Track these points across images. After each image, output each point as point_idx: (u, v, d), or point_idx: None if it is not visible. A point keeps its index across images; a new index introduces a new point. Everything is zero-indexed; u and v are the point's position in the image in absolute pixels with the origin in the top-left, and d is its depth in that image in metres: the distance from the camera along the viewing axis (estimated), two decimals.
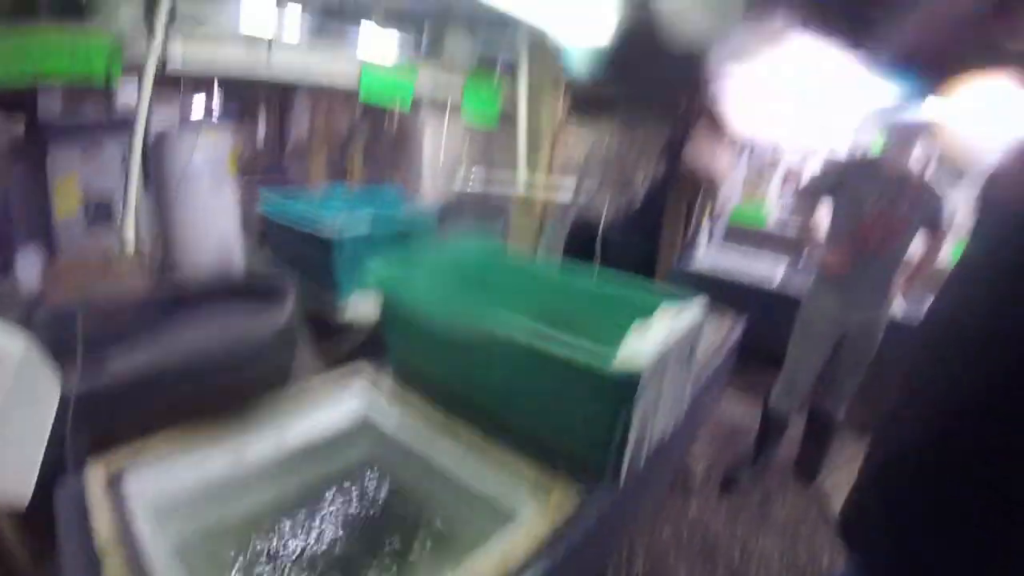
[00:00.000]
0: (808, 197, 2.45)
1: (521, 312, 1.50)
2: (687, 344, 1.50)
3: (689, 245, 4.32)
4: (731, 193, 4.58)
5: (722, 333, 2.33)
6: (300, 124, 6.09)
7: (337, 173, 5.74)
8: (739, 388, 3.09)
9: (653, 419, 1.44)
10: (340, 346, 2.52)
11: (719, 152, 3.86)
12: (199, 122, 3.53)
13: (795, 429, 2.61)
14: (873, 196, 2.22)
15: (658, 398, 1.42)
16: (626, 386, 1.21)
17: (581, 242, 3.59)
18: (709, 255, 4.44)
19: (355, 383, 1.73)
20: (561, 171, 3.24)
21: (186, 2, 1.95)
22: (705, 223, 4.45)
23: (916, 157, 2.25)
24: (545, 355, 1.29)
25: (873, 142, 3.02)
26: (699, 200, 4.25)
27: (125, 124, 2.28)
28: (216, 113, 4.22)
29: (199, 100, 4.22)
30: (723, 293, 3.45)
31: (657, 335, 1.33)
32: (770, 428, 2.54)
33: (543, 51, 2.70)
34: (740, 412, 3.07)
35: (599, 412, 1.29)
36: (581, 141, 4.06)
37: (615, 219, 4.21)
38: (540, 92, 2.93)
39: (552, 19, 2.18)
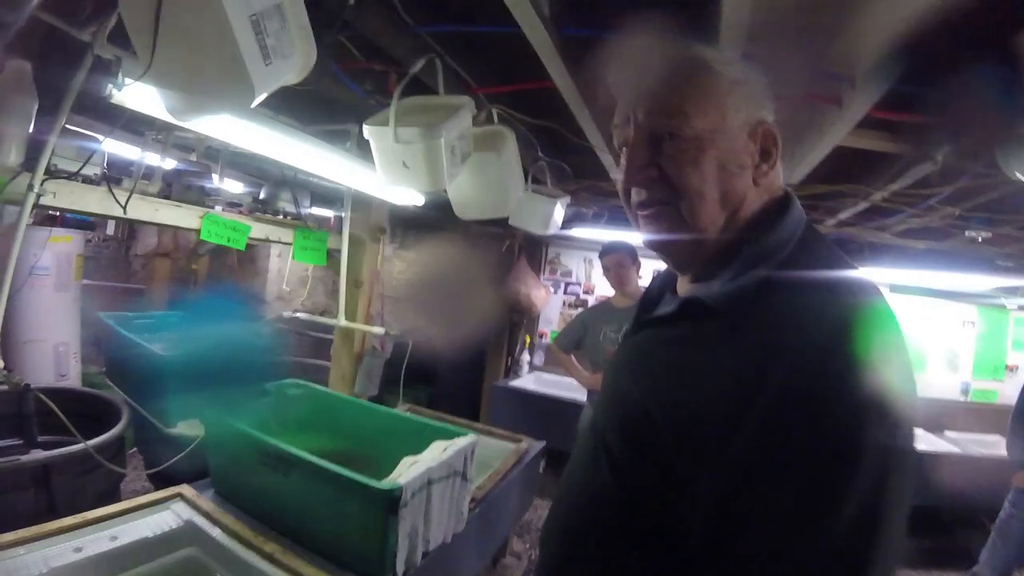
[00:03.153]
0: (558, 352, 3.18)
1: (328, 441, 1.90)
2: (454, 466, 1.94)
3: (512, 367, 5.02)
4: (550, 319, 5.32)
5: (518, 453, 2.80)
6: (149, 233, 6.22)
7: (183, 281, 5.90)
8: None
9: (425, 526, 1.84)
10: (167, 463, 2.69)
11: (536, 285, 4.61)
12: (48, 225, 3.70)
13: None
14: (609, 329, 2.90)
15: (427, 509, 1.82)
16: (390, 499, 1.61)
17: (417, 366, 4.05)
18: (530, 375, 5.13)
19: (178, 500, 1.98)
20: (385, 304, 3.69)
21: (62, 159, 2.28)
22: (527, 347, 5.18)
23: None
24: (331, 476, 1.67)
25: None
26: (522, 326, 4.99)
27: None
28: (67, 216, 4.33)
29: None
30: (538, 408, 4.10)
31: (426, 460, 1.79)
32: None
33: (366, 203, 3.16)
34: None
35: (373, 522, 1.66)
36: (410, 269, 4.63)
37: (445, 343, 4.75)
38: (362, 237, 3.40)
39: (373, 187, 2.57)
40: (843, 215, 3.57)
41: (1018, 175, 1.48)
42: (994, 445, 3.46)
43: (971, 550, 3.33)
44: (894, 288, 5.15)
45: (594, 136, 2.43)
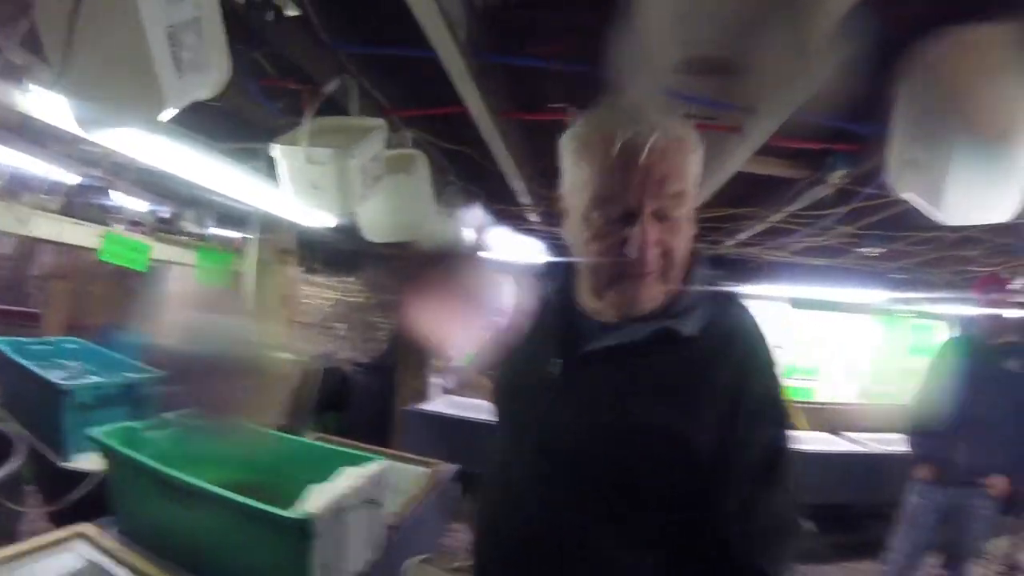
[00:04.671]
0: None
1: (234, 473, 1.84)
2: (368, 492, 1.93)
3: (423, 390, 4.97)
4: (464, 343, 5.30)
5: (433, 477, 2.79)
6: (47, 252, 5.93)
7: (81, 304, 5.60)
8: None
9: (339, 556, 1.82)
10: (67, 501, 2.55)
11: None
12: None
13: None
14: None
15: (342, 536, 1.81)
16: (302, 529, 1.58)
17: (326, 392, 3.99)
18: (444, 398, 5.10)
19: (80, 539, 1.87)
20: (297, 328, 3.63)
21: None
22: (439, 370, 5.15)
23: None
24: (239, 507, 1.63)
25: None
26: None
27: None
28: None
29: None
30: (451, 431, 4.06)
31: (335, 488, 1.76)
32: None
33: (275, 224, 3.10)
34: None
35: (286, 554, 1.64)
36: (322, 296, 4.59)
37: (360, 368, 4.75)
38: (271, 259, 3.32)
39: (283, 209, 2.50)
40: (742, 236, 3.76)
41: (906, 196, 1.59)
42: (894, 443, 3.71)
43: (881, 540, 3.52)
44: (796, 303, 5.43)
45: (506, 163, 2.46)
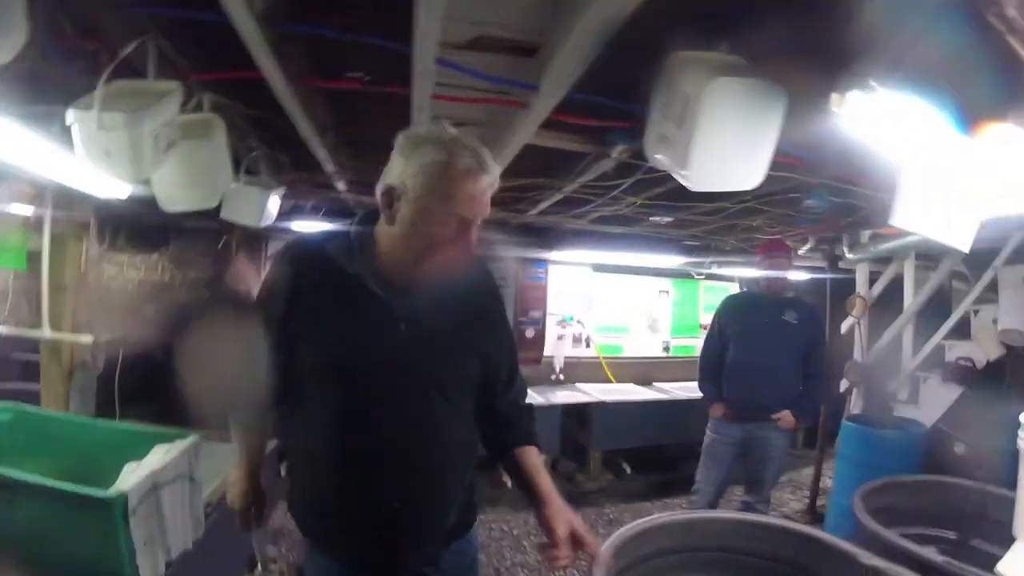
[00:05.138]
0: None
1: (50, 465, 1.75)
2: (181, 468, 1.94)
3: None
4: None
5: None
6: None
7: None
8: None
9: (161, 534, 1.82)
10: None
11: (257, 281, 4.47)
12: None
13: None
14: None
15: (160, 513, 1.80)
16: (117, 506, 1.58)
17: (136, 380, 3.73)
18: None
19: None
20: (99, 310, 3.36)
21: None
22: None
23: None
24: (52, 493, 1.60)
25: None
26: None
27: None
28: None
29: None
30: None
31: (147, 464, 1.74)
32: None
33: (70, 198, 2.84)
34: None
35: (106, 535, 1.62)
36: (126, 272, 4.25)
37: (168, 346, 4.44)
38: (65, 237, 3.02)
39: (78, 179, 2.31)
40: (543, 205, 4.02)
41: (657, 159, 1.83)
42: (694, 390, 4.14)
43: (693, 477, 3.89)
44: (597, 268, 5.93)
45: (307, 130, 2.45)
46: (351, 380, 1.40)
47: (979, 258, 3.91)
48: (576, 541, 1.40)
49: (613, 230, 5.06)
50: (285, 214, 4.32)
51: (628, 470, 5.47)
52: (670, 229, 4.90)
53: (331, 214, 4.64)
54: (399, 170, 1.32)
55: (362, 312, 1.41)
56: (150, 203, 2.45)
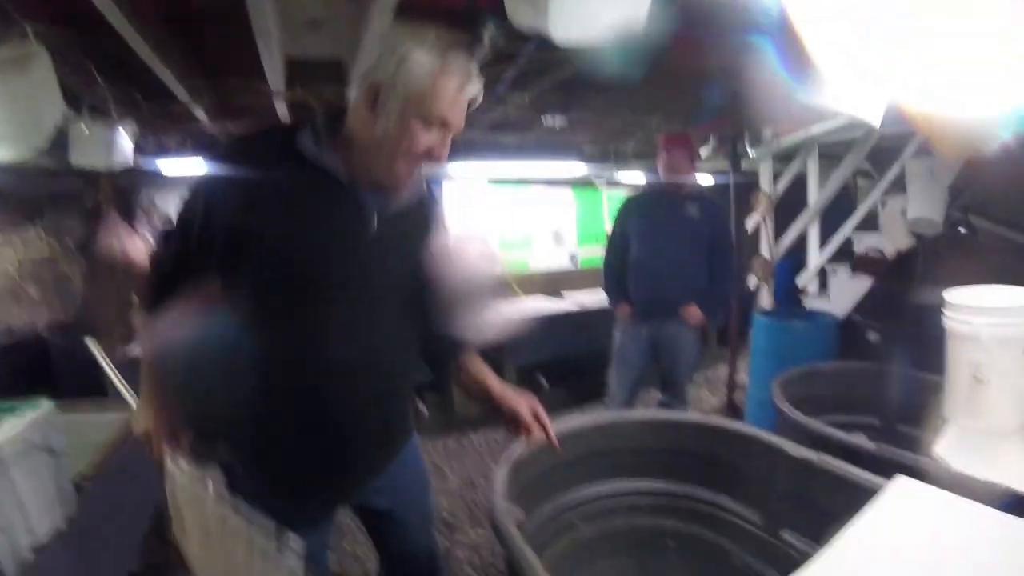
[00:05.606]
0: None
1: None
2: (32, 438, 1.66)
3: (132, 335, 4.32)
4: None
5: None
6: None
7: None
8: None
9: (20, 510, 1.58)
10: None
11: (130, 237, 4.05)
12: None
13: None
14: None
15: (13, 490, 1.56)
16: None
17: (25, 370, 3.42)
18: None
19: None
20: None
21: None
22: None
23: None
24: None
25: None
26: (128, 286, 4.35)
27: None
28: None
29: None
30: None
31: None
32: None
33: None
34: None
35: None
36: (3, 252, 3.85)
37: (63, 333, 4.01)
38: None
39: None
40: None
41: (522, 23, 1.64)
42: (601, 298, 4.07)
43: (607, 384, 3.83)
44: (495, 182, 5.73)
45: (150, 58, 2.22)
46: (320, 279, 1.34)
47: (882, 155, 4.04)
48: (539, 419, 1.57)
49: (508, 139, 4.84)
50: (150, 154, 4.04)
51: (545, 384, 5.44)
52: (567, 135, 4.73)
53: (200, 149, 4.21)
54: (391, 69, 1.25)
55: (331, 208, 1.34)
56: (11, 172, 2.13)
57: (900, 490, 1.56)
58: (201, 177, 1.36)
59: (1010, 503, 1.54)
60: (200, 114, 3.39)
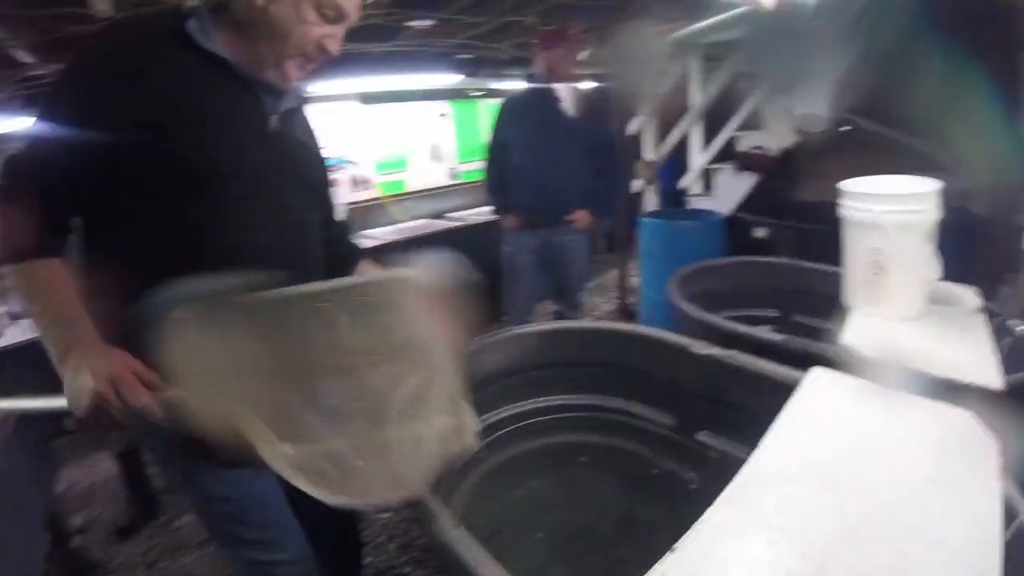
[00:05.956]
0: None
1: None
2: None
3: None
4: None
5: None
6: None
7: None
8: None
9: None
10: None
11: None
12: None
13: None
14: None
15: None
16: None
17: None
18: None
19: None
20: None
21: None
22: None
23: None
24: None
25: None
26: None
27: None
28: None
29: None
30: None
31: None
32: None
33: None
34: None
35: None
36: None
37: None
38: None
39: None
40: None
41: None
42: (487, 213, 3.89)
43: (502, 301, 3.67)
44: (366, 98, 5.25)
45: None
46: (223, 180, 1.22)
47: (766, 55, 3.94)
48: None
49: (373, 48, 4.44)
50: None
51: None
52: (437, 39, 4.41)
53: (35, 103, 3.55)
54: None
55: (230, 99, 1.24)
56: None
57: (819, 381, 1.52)
58: (77, 67, 1.17)
59: (921, 385, 1.54)
60: (26, 58, 2.93)
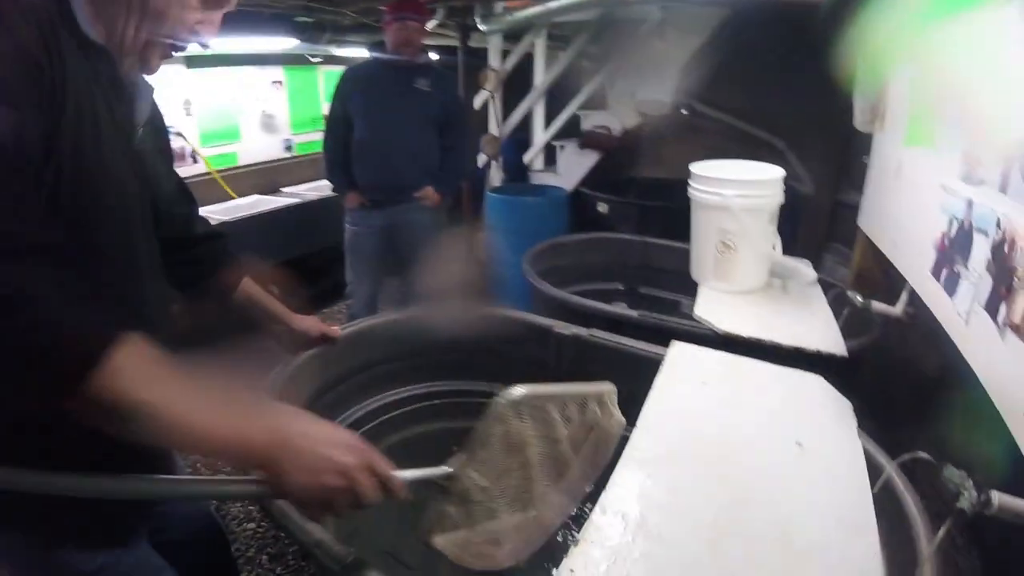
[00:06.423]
0: None
1: None
2: None
3: None
4: None
5: None
6: None
7: None
8: None
9: None
10: None
11: None
12: None
13: None
14: None
15: None
16: None
17: None
18: None
19: None
20: None
21: None
22: None
23: None
24: None
25: None
26: None
27: None
28: None
29: None
30: None
31: None
32: None
33: None
34: None
35: None
36: None
37: None
38: None
39: None
40: None
41: None
42: (325, 188, 3.67)
43: (346, 282, 3.55)
44: (191, 63, 4.75)
45: None
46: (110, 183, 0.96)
47: (612, 37, 4.13)
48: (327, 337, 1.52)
49: None
50: None
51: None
52: (275, 5, 4.11)
53: None
54: None
55: (115, 96, 1.00)
56: None
57: (681, 356, 1.58)
58: None
59: (770, 353, 1.66)
60: None
